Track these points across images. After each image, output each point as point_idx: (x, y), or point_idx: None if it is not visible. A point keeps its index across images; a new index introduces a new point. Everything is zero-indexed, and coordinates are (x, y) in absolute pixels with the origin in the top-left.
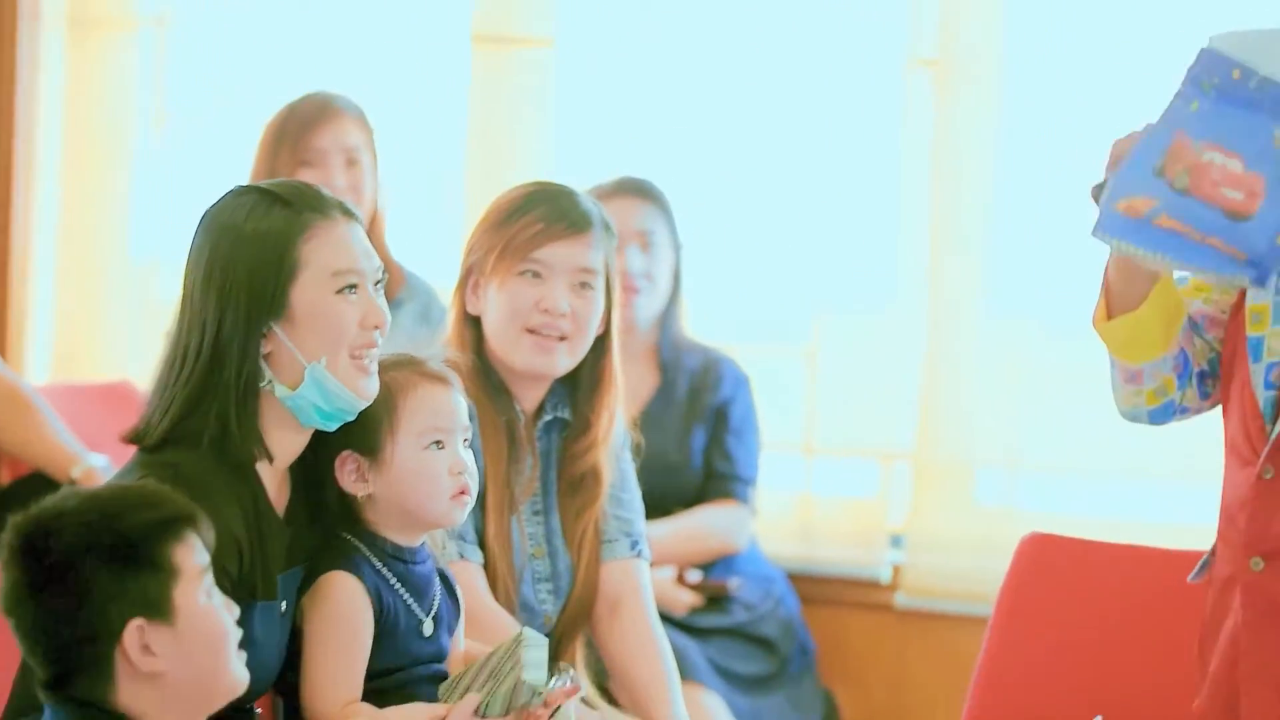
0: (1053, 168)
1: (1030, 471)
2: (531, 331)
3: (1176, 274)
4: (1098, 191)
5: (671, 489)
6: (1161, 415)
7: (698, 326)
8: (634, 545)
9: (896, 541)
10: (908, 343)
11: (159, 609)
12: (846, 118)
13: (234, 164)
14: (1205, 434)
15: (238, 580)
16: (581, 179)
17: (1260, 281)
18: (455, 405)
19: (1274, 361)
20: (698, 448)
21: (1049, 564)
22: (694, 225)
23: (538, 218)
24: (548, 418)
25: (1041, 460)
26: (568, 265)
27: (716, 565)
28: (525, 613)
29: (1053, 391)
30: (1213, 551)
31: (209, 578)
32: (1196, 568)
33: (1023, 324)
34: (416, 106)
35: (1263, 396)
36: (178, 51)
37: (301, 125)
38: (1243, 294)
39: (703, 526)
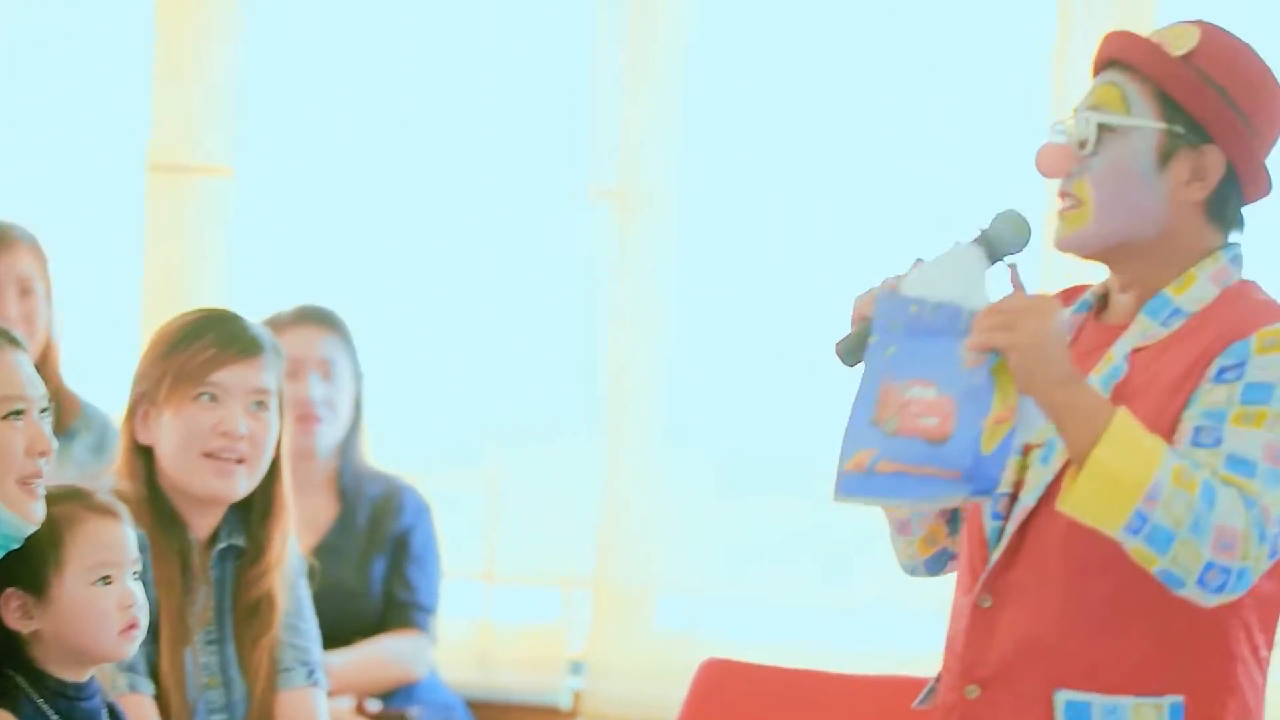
0: (731, 299)
1: (709, 598)
2: (209, 456)
3: None
4: (842, 348)
5: (351, 618)
6: (936, 564)
7: (380, 454)
8: (310, 674)
9: (577, 668)
10: (587, 470)
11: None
12: (528, 246)
13: None
14: (880, 566)
15: None
16: (260, 307)
17: (982, 492)
18: (124, 538)
19: (1003, 493)
20: (378, 576)
21: (726, 689)
22: (375, 353)
23: (210, 342)
24: (222, 545)
25: (720, 587)
26: (243, 387)
27: (396, 694)
28: None
29: (731, 519)
30: (938, 678)
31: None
32: (922, 694)
33: (701, 453)
34: (92, 235)
35: (989, 526)
36: None
37: None
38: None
39: (382, 655)
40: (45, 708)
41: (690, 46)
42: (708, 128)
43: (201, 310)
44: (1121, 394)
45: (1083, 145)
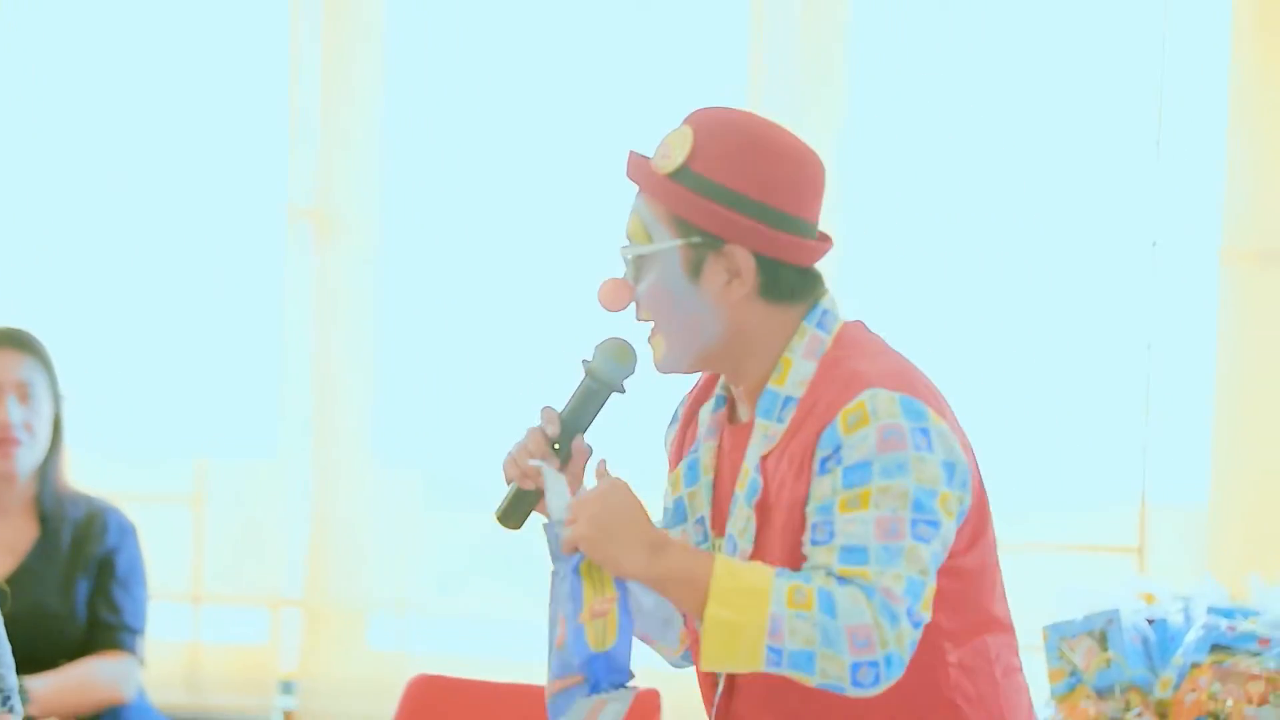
0: (434, 316)
1: (420, 615)
2: None
3: None
4: (501, 515)
5: (55, 641)
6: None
7: (81, 476)
8: (5, 700)
9: (288, 687)
10: (294, 489)
11: None
12: (229, 263)
13: None
14: None
15: None
16: None
17: (614, 685)
18: None
19: None
20: (82, 599)
21: (435, 705)
22: (75, 373)
23: None
24: None
25: (431, 604)
26: (9, 379)
27: (104, 716)
28: None
29: (439, 536)
30: None
31: None
32: None
33: (408, 470)
34: None
35: None
36: None
37: None
38: None
39: (88, 678)
40: None
41: (392, 68)
42: (407, 146)
43: None
44: (764, 509)
45: (634, 278)
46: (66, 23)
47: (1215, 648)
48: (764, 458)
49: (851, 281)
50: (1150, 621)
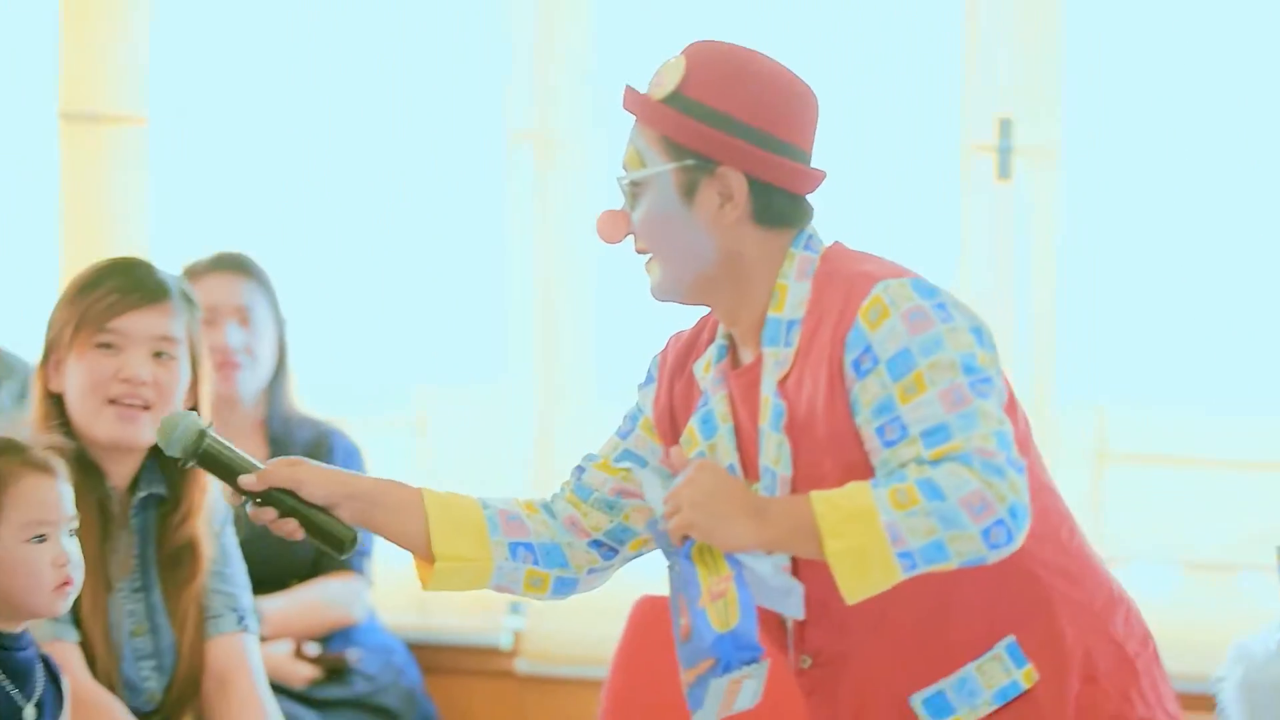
0: None
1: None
2: (113, 402)
3: None
4: None
5: (285, 563)
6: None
7: (307, 400)
8: (240, 620)
9: (516, 608)
10: (519, 412)
11: None
12: (451, 189)
13: None
14: None
15: None
16: (180, 257)
17: (745, 663)
18: (60, 495)
19: None
20: None
21: (661, 624)
22: (299, 299)
23: (112, 289)
24: (142, 494)
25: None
26: (146, 334)
27: (335, 637)
28: (128, 690)
29: None
30: None
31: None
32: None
33: (631, 393)
34: (8, 184)
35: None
36: None
37: None
38: None
39: (319, 599)
40: None
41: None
42: (625, 67)
43: (111, 259)
44: (794, 430)
45: (629, 206)
46: None
47: None
48: (780, 382)
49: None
50: None
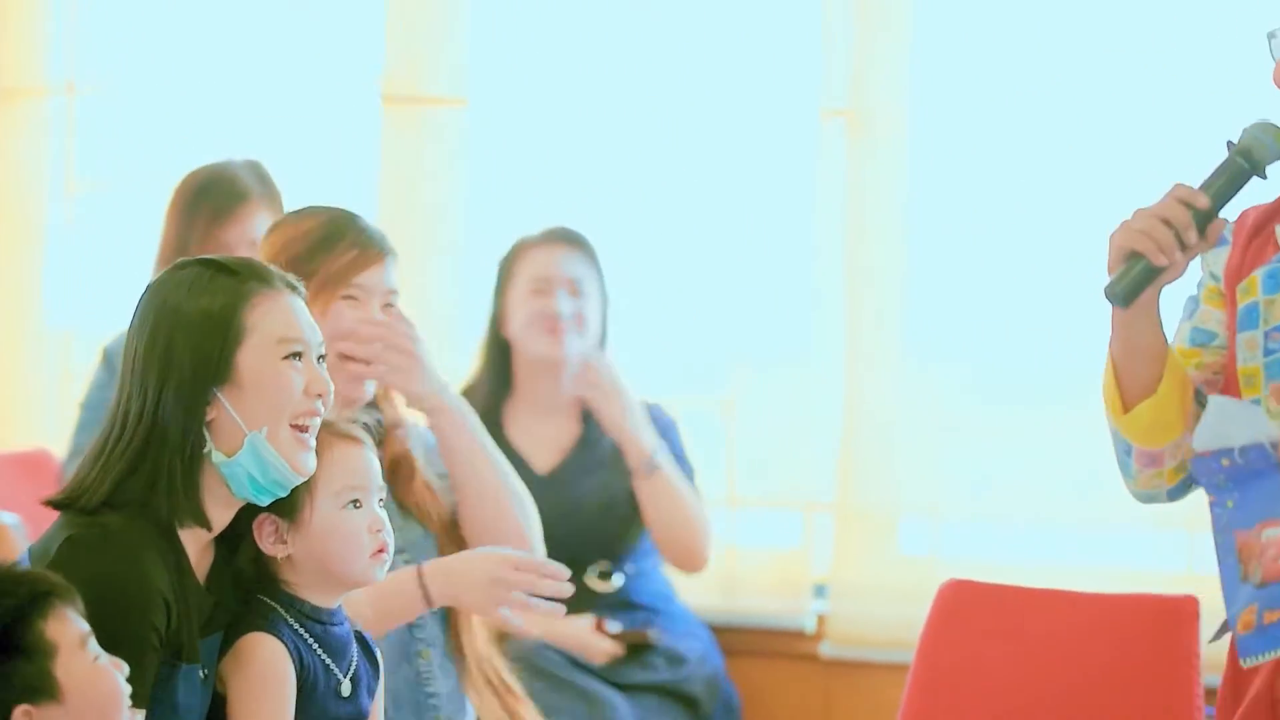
0: (966, 215)
1: (952, 520)
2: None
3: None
4: (1118, 289)
5: (591, 539)
6: (1180, 491)
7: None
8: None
9: (820, 591)
10: (826, 393)
11: (43, 691)
12: (761, 168)
13: (147, 232)
14: (1115, 481)
15: (165, 640)
16: (497, 238)
17: None
18: (369, 464)
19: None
20: (620, 496)
21: (968, 610)
22: (614, 279)
23: (351, 243)
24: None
25: (963, 508)
26: (381, 288)
27: (638, 615)
28: None
29: (972, 440)
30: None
31: (91, 642)
32: (1216, 629)
33: (941, 372)
34: (328, 168)
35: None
36: (89, 119)
37: (211, 217)
38: (1232, 355)
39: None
40: (301, 631)
41: None
42: (938, 46)
43: (322, 211)
44: None
45: None
46: None
47: None
48: None
49: None
50: None
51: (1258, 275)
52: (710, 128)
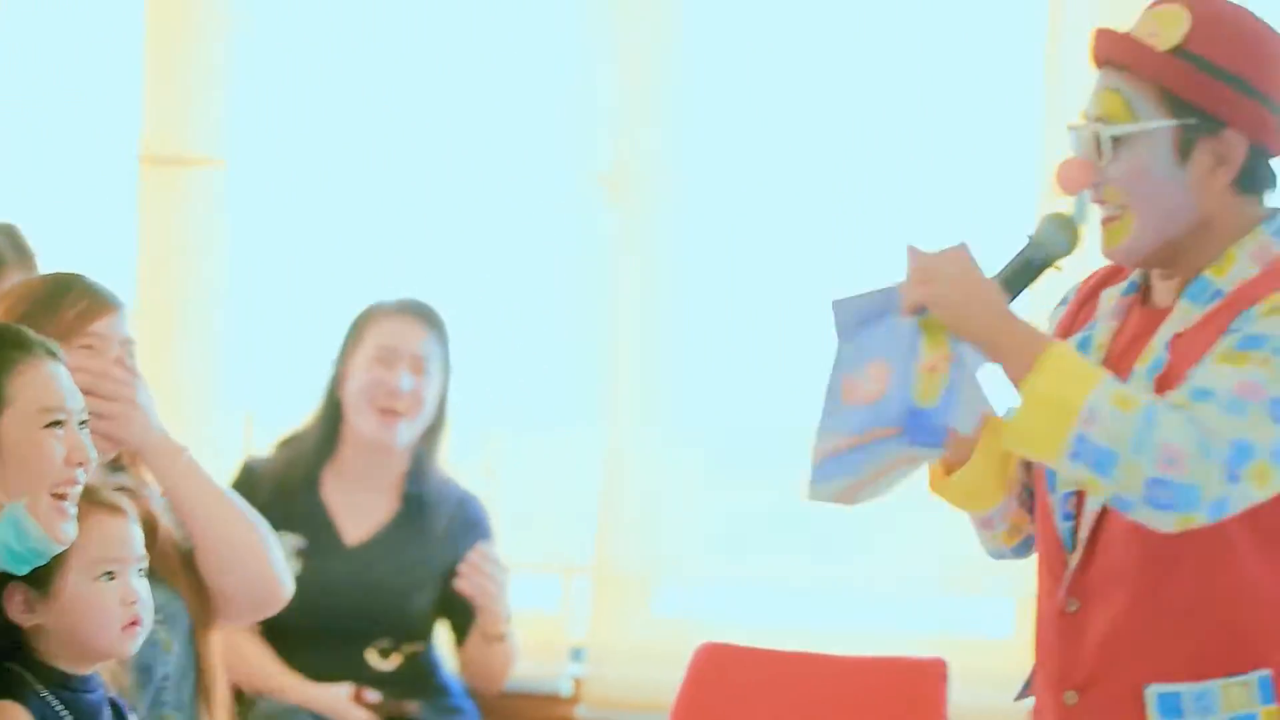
0: (729, 285)
1: (707, 583)
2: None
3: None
4: (1004, 276)
5: (390, 619)
6: (1024, 550)
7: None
8: None
9: (577, 655)
10: (586, 457)
11: None
12: (523, 232)
13: None
14: (875, 546)
15: None
16: (258, 296)
17: (928, 444)
18: (127, 535)
19: (1068, 492)
20: (430, 583)
21: (723, 672)
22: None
23: (80, 295)
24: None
25: (718, 571)
26: (117, 336)
27: (407, 688)
28: None
29: (729, 502)
30: (1031, 675)
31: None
32: (1020, 688)
33: (697, 438)
34: (86, 231)
35: (1061, 528)
36: None
37: None
38: None
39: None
40: (50, 699)
41: (685, 29)
42: (703, 112)
43: (50, 273)
44: (1162, 386)
45: (1100, 157)
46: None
47: None
48: (1176, 336)
49: None
50: None
51: (1072, 341)
52: (472, 190)
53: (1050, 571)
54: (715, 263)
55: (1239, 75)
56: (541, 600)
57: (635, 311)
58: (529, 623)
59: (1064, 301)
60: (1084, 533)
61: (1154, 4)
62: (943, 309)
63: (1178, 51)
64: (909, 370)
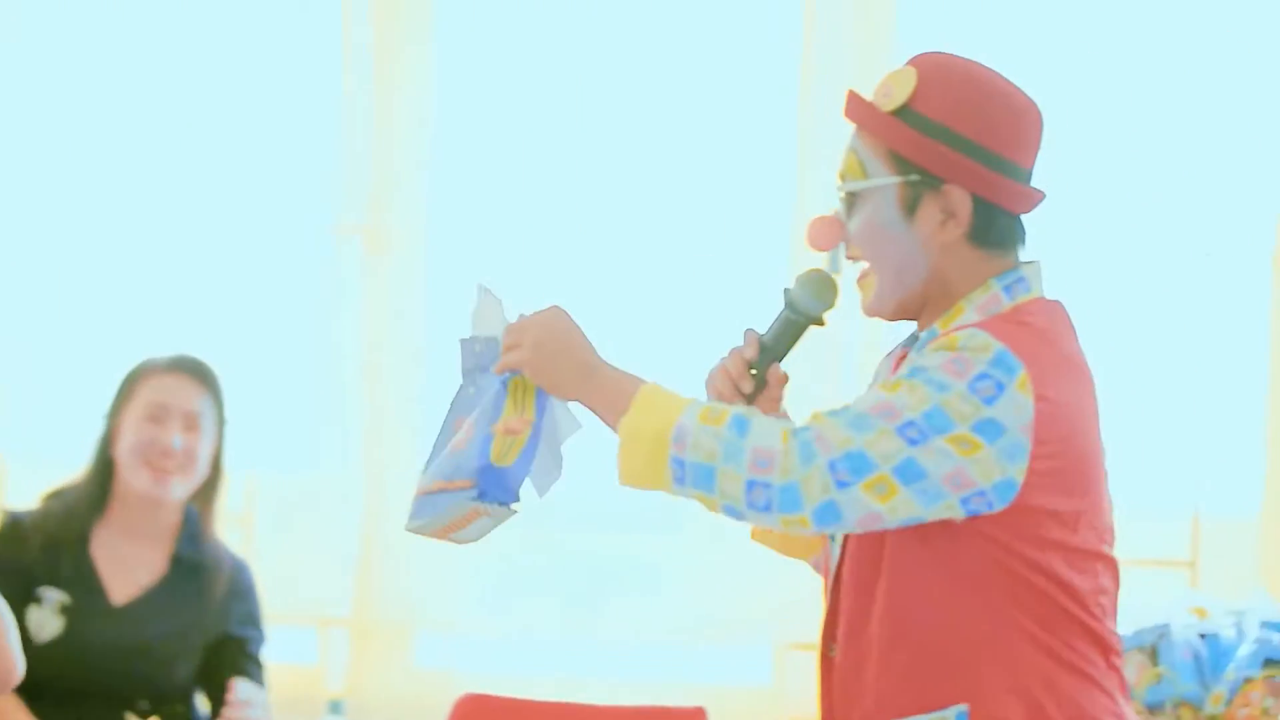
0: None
1: (468, 634)
2: None
3: None
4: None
5: (152, 680)
6: None
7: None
8: None
9: (335, 707)
10: (344, 507)
11: None
12: (277, 279)
13: None
14: (630, 598)
15: None
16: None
17: (498, 500)
18: None
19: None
20: (194, 644)
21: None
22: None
23: None
24: None
25: (481, 621)
26: None
27: None
28: None
29: (489, 553)
30: None
31: None
32: None
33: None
34: None
35: (830, 577)
36: None
37: None
38: None
39: None
40: None
41: (439, 83)
42: (455, 162)
43: None
44: None
45: (846, 215)
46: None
47: (1268, 662)
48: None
49: None
50: (1202, 636)
51: None
52: (226, 240)
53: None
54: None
55: (960, 133)
56: (299, 652)
57: (393, 353)
58: (286, 674)
59: (889, 356)
60: (830, 579)
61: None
62: (532, 371)
63: (900, 111)
64: (488, 428)
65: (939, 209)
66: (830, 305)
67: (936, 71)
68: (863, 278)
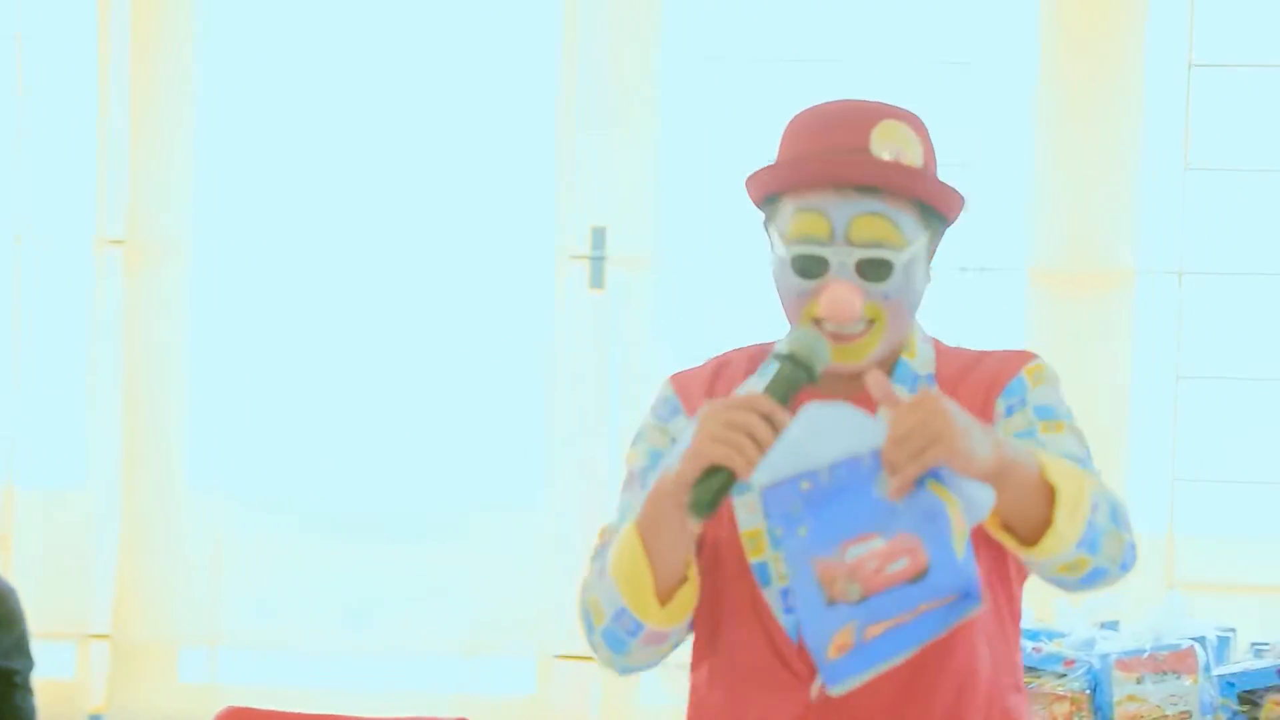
0: (243, 341)
1: (234, 647)
2: None
3: None
4: (698, 497)
5: None
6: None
7: None
8: None
9: None
10: (103, 519)
11: None
12: (38, 291)
13: None
14: (399, 610)
15: None
16: None
17: (977, 598)
18: None
19: (785, 586)
20: None
21: None
22: None
23: None
24: None
25: (245, 636)
26: None
27: None
28: None
29: (253, 567)
30: None
31: None
32: None
33: (220, 500)
34: None
35: (785, 620)
36: None
37: None
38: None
39: None
40: None
41: (201, 94)
42: (220, 173)
43: None
44: None
45: (873, 280)
46: None
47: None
48: None
49: None
50: None
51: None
52: None
53: (785, 665)
54: (240, 317)
55: (942, 179)
56: (57, 667)
57: (157, 368)
58: (44, 689)
59: (677, 412)
60: None
61: (873, 121)
62: (949, 457)
63: (925, 167)
64: (947, 539)
65: (932, 253)
66: (829, 358)
67: (916, 119)
68: (857, 337)
